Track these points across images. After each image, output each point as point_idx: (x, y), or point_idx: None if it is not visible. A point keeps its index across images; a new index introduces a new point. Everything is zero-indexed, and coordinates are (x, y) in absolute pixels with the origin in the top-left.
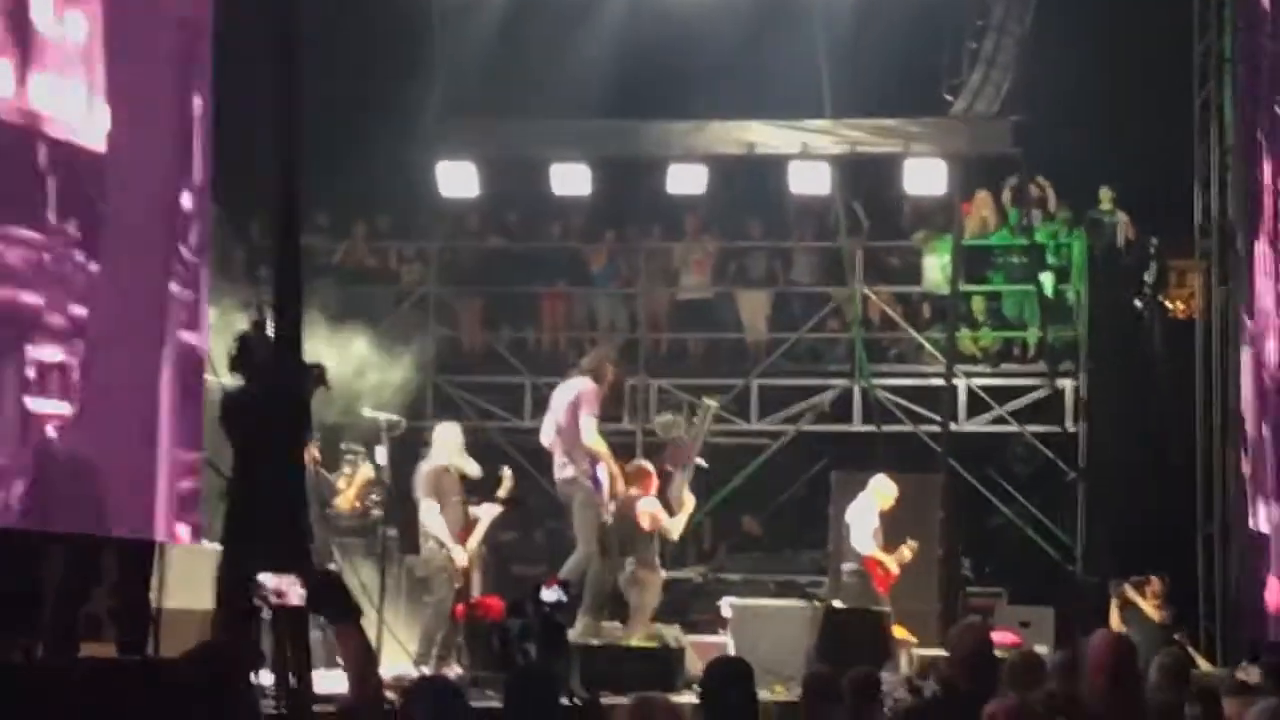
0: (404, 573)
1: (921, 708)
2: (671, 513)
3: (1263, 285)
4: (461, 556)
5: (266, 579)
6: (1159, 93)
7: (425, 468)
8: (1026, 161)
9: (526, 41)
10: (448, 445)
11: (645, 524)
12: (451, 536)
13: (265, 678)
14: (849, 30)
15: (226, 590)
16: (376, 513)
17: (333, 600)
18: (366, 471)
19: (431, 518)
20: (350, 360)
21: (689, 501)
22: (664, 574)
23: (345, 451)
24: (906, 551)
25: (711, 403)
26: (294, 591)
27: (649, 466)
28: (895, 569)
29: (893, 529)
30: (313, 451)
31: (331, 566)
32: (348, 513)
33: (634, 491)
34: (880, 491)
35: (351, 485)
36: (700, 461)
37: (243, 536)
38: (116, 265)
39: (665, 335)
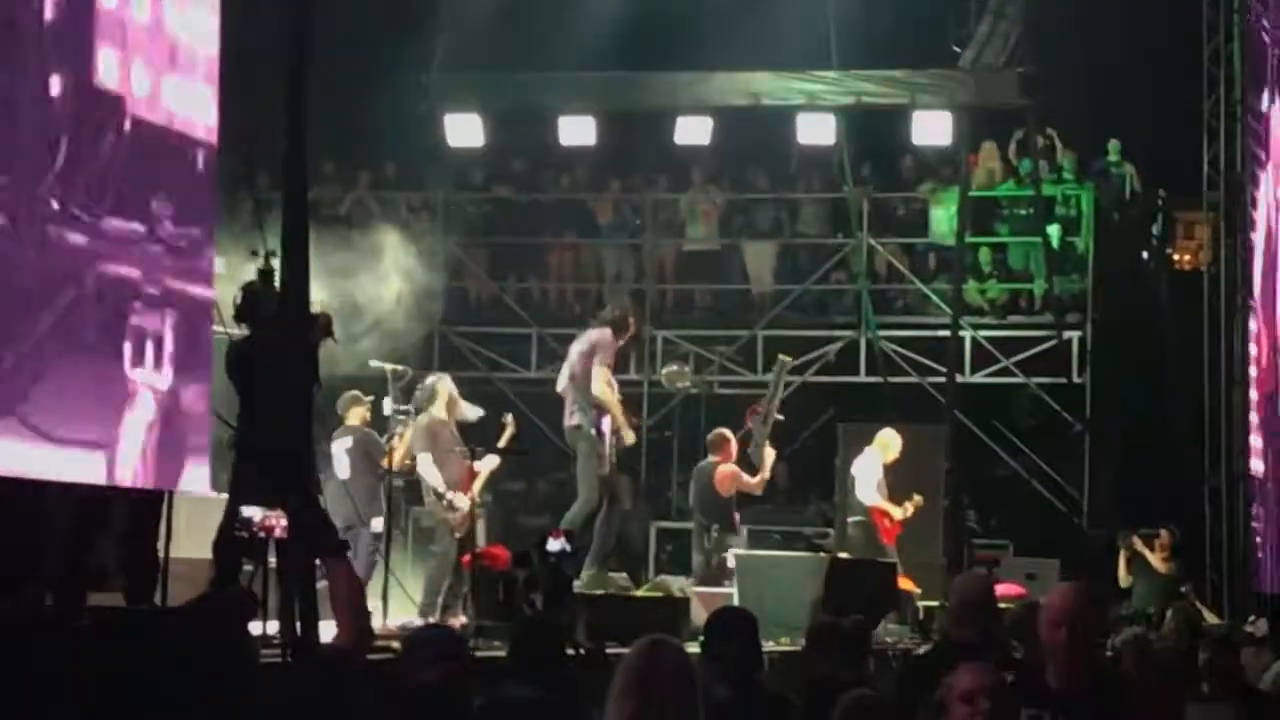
0: (411, 524)
1: (922, 658)
2: (754, 471)
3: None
4: (464, 504)
5: (254, 513)
6: (1167, 43)
7: (421, 420)
8: (1034, 113)
9: None
10: (441, 396)
11: (724, 489)
12: (450, 487)
13: (271, 627)
14: None
15: (225, 539)
16: None
17: (329, 541)
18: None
19: (427, 469)
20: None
21: (769, 456)
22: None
23: (397, 411)
24: (911, 506)
25: (786, 358)
26: (281, 526)
27: (727, 433)
28: (899, 519)
29: (898, 481)
30: (364, 413)
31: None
32: (399, 470)
33: (713, 459)
34: (885, 443)
35: (403, 443)
36: (778, 415)
37: (249, 487)
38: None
39: (671, 286)
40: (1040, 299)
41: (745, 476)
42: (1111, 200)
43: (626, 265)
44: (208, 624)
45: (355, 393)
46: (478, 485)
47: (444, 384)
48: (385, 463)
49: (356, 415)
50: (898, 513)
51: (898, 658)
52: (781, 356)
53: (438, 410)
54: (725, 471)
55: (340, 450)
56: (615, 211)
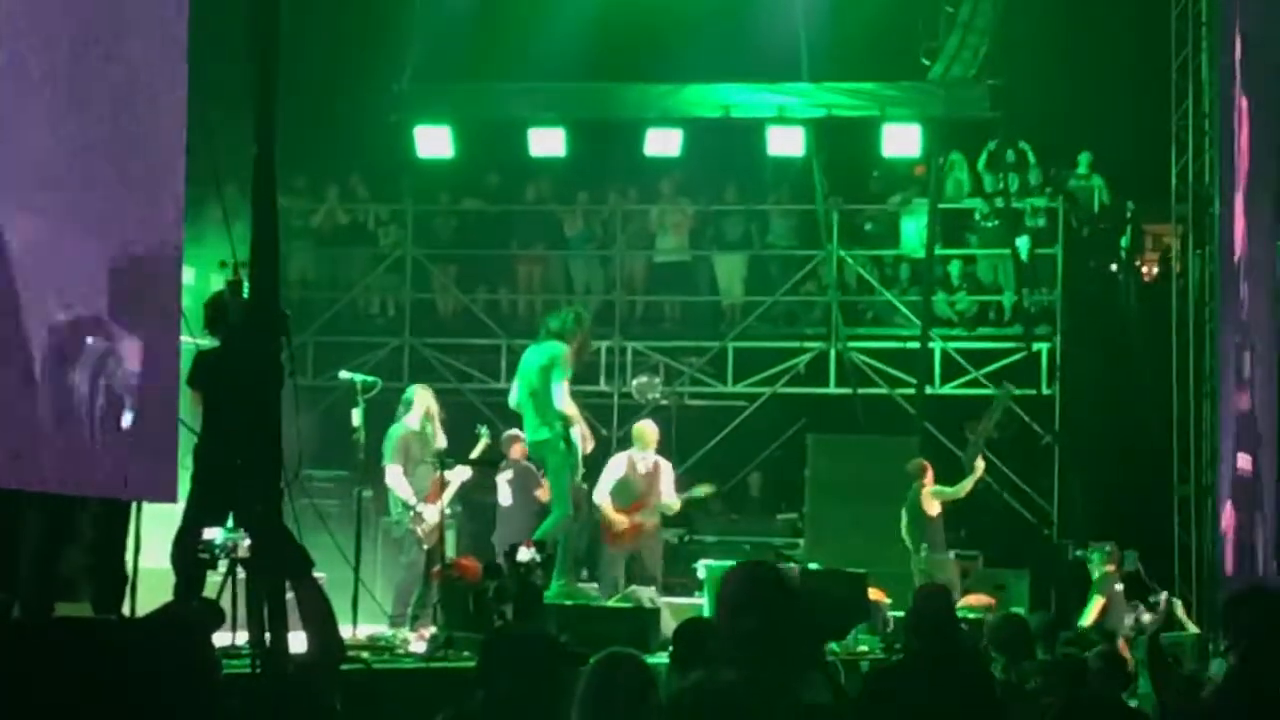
0: (380, 534)
1: (886, 670)
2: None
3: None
4: (433, 516)
5: (213, 534)
6: (1136, 56)
7: (395, 431)
8: (1004, 125)
9: (504, 4)
10: (417, 408)
11: (930, 510)
12: (418, 498)
13: (241, 637)
14: None
15: (183, 548)
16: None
17: (292, 559)
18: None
19: (396, 480)
20: None
21: (979, 468)
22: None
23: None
24: (639, 520)
25: (1010, 386)
26: (244, 547)
27: (924, 461)
28: (619, 530)
29: (863, 491)
30: (523, 449)
31: None
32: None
33: (916, 484)
34: (637, 434)
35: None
36: (994, 434)
37: (209, 497)
38: None
39: (641, 298)
40: (1010, 311)
41: (946, 492)
42: (1080, 213)
43: (596, 277)
44: (169, 635)
45: (514, 431)
46: (447, 496)
47: (422, 395)
48: (540, 494)
49: (517, 451)
50: (619, 522)
51: (869, 668)
52: (1005, 384)
53: (411, 420)
54: (926, 495)
55: (503, 481)
56: (585, 222)
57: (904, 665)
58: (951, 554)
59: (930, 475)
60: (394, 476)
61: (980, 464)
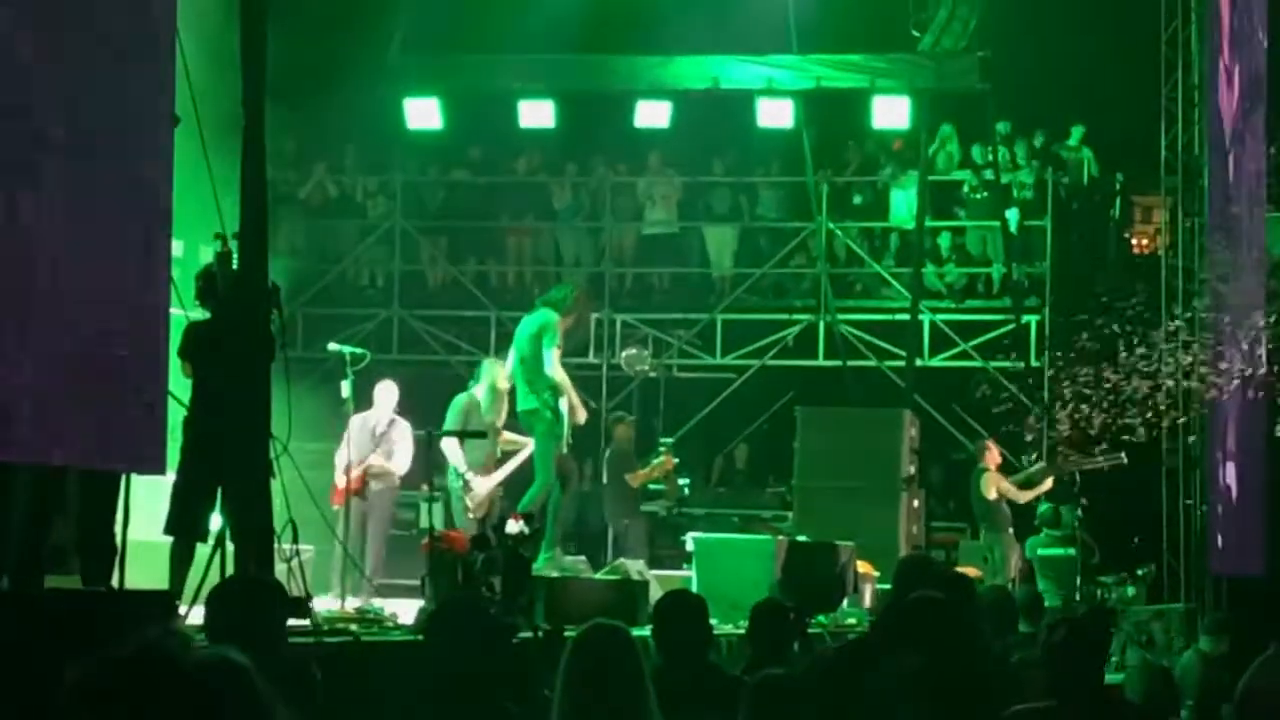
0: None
1: (862, 640)
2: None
3: None
4: (482, 488)
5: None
6: (1126, 28)
7: (459, 400)
8: (993, 97)
9: None
10: (485, 380)
11: (989, 493)
12: (472, 469)
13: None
14: None
15: (178, 522)
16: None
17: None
18: (665, 464)
19: (450, 447)
20: None
21: (1046, 484)
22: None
23: (659, 445)
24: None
25: (1123, 457)
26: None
27: (989, 442)
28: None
29: (854, 464)
30: (627, 432)
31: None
32: (634, 487)
33: (979, 465)
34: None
35: (648, 469)
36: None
37: (198, 468)
38: None
39: (630, 270)
40: (999, 283)
41: (1006, 483)
42: (1070, 184)
43: (585, 248)
44: (241, 611)
45: (621, 413)
46: (503, 472)
47: (491, 368)
48: (631, 478)
49: (620, 433)
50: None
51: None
52: (1123, 455)
53: (478, 391)
54: (990, 477)
55: (605, 461)
56: (573, 194)
57: (872, 637)
58: (1010, 531)
59: (992, 456)
60: (450, 444)
61: (1049, 482)
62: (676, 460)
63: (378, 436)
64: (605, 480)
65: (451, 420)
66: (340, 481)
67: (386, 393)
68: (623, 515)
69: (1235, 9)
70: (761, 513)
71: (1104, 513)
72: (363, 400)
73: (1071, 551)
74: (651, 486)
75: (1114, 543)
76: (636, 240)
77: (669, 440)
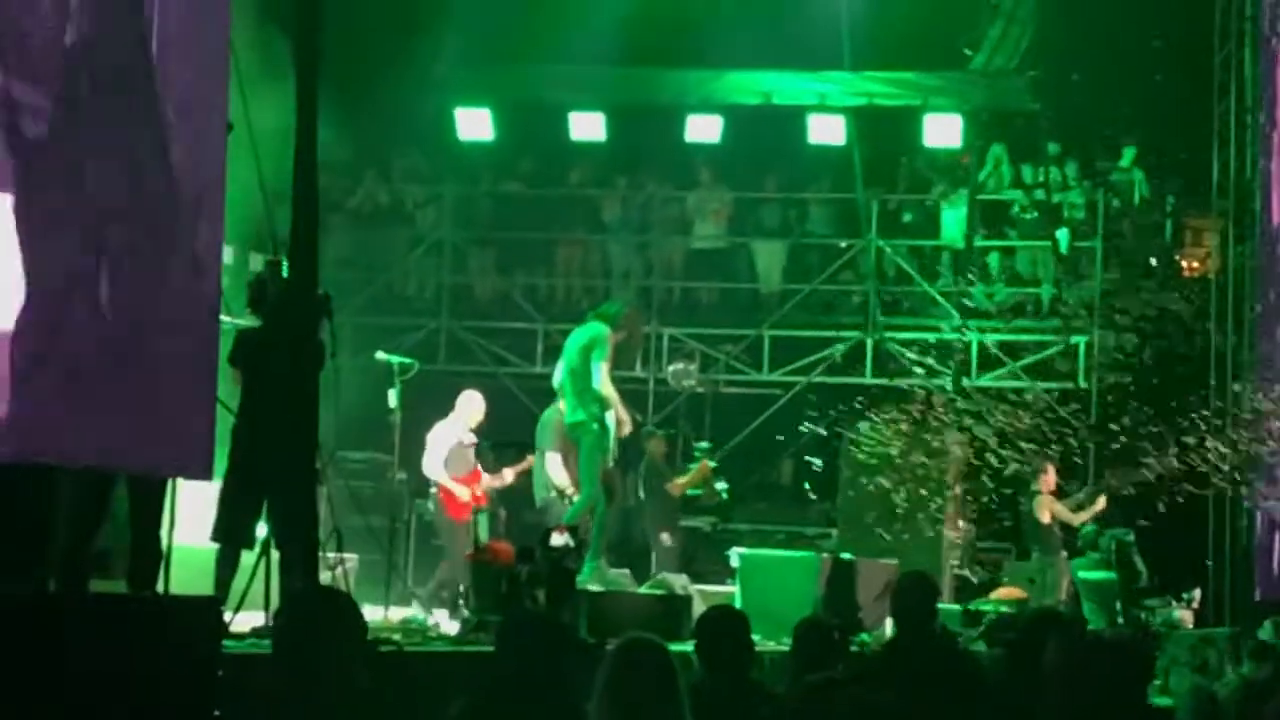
0: (414, 517)
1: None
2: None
3: None
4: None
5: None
6: (1179, 49)
7: (549, 415)
8: (1045, 117)
9: None
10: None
11: (1043, 516)
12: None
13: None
14: None
15: (225, 529)
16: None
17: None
18: (703, 469)
19: (554, 465)
20: None
21: (1099, 504)
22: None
23: (695, 450)
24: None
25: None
26: None
27: (1047, 465)
28: (465, 500)
29: (900, 483)
30: (660, 448)
31: None
32: (675, 495)
33: (1033, 487)
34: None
35: (687, 475)
36: None
37: (245, 476)
38: None
39: (679, 284)
40: (1048, 304)
41: (1060, 505)
42: (1121, 206)
43: (634, 262)
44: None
45: (651, 427)
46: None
47: None
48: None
49: (653, 448)
50: (463, 493)
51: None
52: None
53: (564, 406)
54: (1043, 500)
55: (641, 476)
56: (623, 208)
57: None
58: (1063, 554)
59: (1049, 478)
60: (552, 462)
61: (1101, 502)
62: (714, 465)
63: (466, 447)
64: (643, 495)
65: (547, 438)
66: (464, 495)
67: (471, 403)
68: (659, 529)
69: None
70: (805, 530)
71: (1156, 535)
72: (412, 409)
73: (1111, 575)
74: (690, 493)
75: (1167, 566)
76: (685, 254)
77: (705, 445)
